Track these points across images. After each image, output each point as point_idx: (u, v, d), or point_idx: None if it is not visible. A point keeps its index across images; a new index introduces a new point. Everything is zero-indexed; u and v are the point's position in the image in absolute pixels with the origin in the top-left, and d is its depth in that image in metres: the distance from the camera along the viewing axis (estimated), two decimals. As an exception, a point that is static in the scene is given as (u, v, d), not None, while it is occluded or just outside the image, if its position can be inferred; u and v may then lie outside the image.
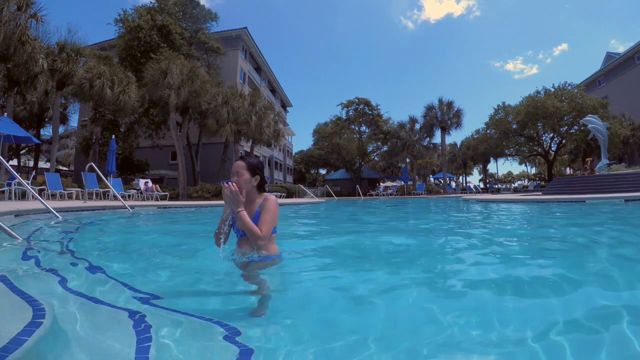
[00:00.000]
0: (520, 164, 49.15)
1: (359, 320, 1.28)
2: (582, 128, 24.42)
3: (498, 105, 30.71)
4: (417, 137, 32.64)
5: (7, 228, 2.82)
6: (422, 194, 29.03)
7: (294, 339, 1.08)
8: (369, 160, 42.14)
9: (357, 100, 35.00)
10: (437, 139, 33.75)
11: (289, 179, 47.16)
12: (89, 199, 11.72)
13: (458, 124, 31.08)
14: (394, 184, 40.45)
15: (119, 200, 8.91)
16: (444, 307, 1.39)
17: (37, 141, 15.18)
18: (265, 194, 1.98)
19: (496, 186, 46.64)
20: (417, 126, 32.81)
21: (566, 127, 27.67)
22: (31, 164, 29.84)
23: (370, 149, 38.71)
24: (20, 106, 21.57)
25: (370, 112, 35.16)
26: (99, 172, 9.11)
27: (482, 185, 45.61)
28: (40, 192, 10.72)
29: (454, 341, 1.07)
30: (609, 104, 28.29)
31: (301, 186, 24.21)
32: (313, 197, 21.60)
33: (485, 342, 1.06)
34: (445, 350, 1.02)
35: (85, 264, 2.06)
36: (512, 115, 28.97)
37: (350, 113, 35.36)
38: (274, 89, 43.44)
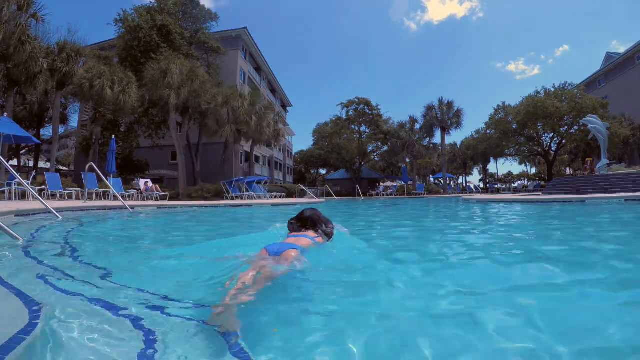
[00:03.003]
0: (520, 164, 49.14)
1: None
2: (582, 128, 24.41)
3: (498, 105, 30.73)
4: (417, 137, 32.63)
5: (7, 228, 2.81)
6: (422, 194, 29.02)
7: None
8: (369, 160, 42.12)
9: (357, 100, 34.98)
10: (437, 139, 33.81)
11: (289, 179, 47.16)
12: (89, 199, 11.71)
13: (458, 124, 31.10)
14: (394, 184, 40.42)
15: (119, 200, 8.90)
16: (441, 307, 1.38)
17: (37, 141, 15.16)
18: None
19: (496, 186, 46.63)
20: (417, 126, 32.81)
21: (566, 127, 27.66)
22: (31, 164, 29.83)
23: (370, 149, 38.69)
24: (20, 106, 21.56)
25: (370, 112, 35.15)
26: (99, 172, 9.11)
27: (482, 185, 45.62)
28: (40, 192, 10.71)
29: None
30: (609, 104, 28.28)
31: (301, 186, 24.20)
32: (313, 197, 21.58)
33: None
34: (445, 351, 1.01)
35: (85, 265, 2.06)
36: (512, 115, 28.97)
37: (350, 113, 35.35)
38: (274, 89, 43.43)
